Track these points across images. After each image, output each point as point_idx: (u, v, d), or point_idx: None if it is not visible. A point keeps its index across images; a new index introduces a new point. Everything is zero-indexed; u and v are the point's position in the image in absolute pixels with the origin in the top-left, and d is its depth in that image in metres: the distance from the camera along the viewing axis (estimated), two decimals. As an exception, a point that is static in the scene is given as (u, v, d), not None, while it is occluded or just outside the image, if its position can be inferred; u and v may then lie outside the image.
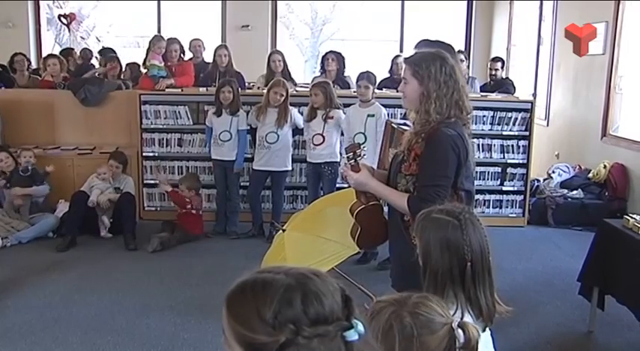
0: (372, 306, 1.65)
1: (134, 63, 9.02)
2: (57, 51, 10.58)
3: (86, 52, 9.41)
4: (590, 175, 7.71)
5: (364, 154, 3.20)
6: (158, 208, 7.47)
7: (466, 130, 2.94)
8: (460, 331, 1.62)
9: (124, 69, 8.85)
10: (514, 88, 8.47)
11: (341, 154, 6.56)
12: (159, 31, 11.24)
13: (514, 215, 7.43)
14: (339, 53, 7.82)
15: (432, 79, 2.89)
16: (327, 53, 7.90)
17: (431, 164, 2.87)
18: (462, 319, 1.97)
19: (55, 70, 7.98)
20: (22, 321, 4.74)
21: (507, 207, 7.39)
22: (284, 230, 4.83)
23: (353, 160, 3.11)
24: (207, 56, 8.53)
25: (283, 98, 6.59)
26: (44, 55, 9.86)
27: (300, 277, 1.22)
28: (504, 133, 7.27)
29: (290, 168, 6.91)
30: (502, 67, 8.87)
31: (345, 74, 7.86)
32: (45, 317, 4.82)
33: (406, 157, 2.95)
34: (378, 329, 1.57)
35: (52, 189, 6.91)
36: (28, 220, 6.74)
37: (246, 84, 8.03)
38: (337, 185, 6.63)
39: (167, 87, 7.35)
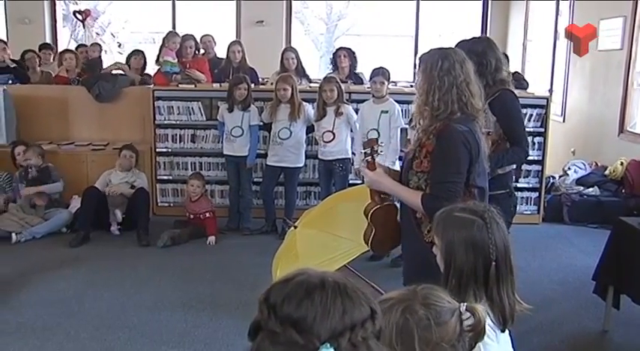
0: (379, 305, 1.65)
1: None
2: (72, 47, 10.63)
3: (95, 47, 9.40)
4: (607, 172, 7.62)
5: (381, 151, 3.19)
6: (171, 204, 7.47)
7: (477, 126, 2.91)
8: (469, 314, 1.63)
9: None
10: (527, 83, 8.38)
11: (353, 153, 6.53)
12: (174, 27, 11.26)
13: (529, 212, 7.35)
14: (350, 49, 7.78)
15: (427, 74, 2.90)
16: (338, 50, 7.85)
17: (442, 161, 2.84)
18: None
19: (72, 65, 8.05)
20: (34, 316, 4.76)
21: (522, 204, 7.30)
22: (296, 227, 4.81)
23: (370, 157, 3.10)
24: (219, 52, 8.54)
25: (290, 92, 6.57)
26: (59, 51, 9.85)
27: (317, 283, 1.25)
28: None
29: (303, 164, 6.89)
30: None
31: (357, 70, 7.81)
32: (57, 313, 4.83)
33: (417, 153, 2.92)
34: (391, 327, 1.57)
35: (66, 185, 6.93)
36: (42, 216, 6.76)
37: (260, 80, 8.03)
38: (350, 182, 6.62)
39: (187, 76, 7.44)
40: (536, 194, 7.37)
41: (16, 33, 11.03)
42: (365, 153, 3.12)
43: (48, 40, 11.14)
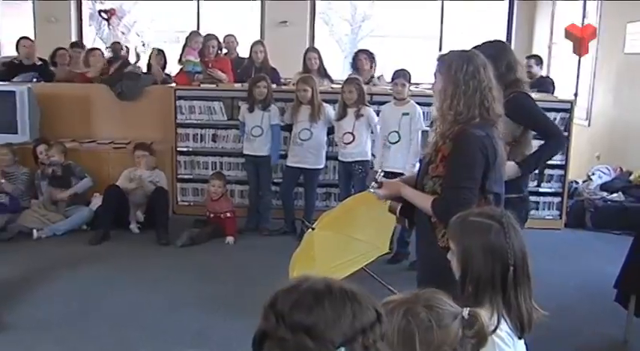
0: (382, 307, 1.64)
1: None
2: (97, 45, 10.71)
3: (116, 46, 9.46)
4: (632, 177, 7.52)
5: (382, 174, 3.25)
6: (192, 203, 7.49)
7: (495, 131, 2.87)
8: (471, 320, 1.62)
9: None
10: (553, 87, 8.29)
11: (374, 155, 6.48)
12: (198, 27, 11.31)
13: (551, 217, 7.25)
14: (370, 51, 7.76)
15: (451, 77, 2.85)
16: (358, 53, 7.85)
17: (457, 165, 2.80)
18: (497, 326, 1.93)
19: (99, 61, 8.11)
20: (52, 312, 4.81)
21: (544, 209, 7.23)
22: (313, 229, 4.80)
23: (376, 185, 3.13)
24: (242, 51, 8.54)
25: (310, 93, 6.55)
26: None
27: (324, 289, 1.27)
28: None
29: (323, 165, 6.86)
30: (537, 65, 8.64)
31: (378, 73, 7.77)
32: (75, 310, 4.87)
33: (433, 158, 2.89)
34: (393, 329, 1.56)
35: (94, 180, 7.00)
36: (64, 213, 6.82)
37: (282, 80, 8.02)
38: (369, 184, 6.57)
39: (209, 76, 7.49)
40: (559, 199, 7.28)
41: (43, 31, 11.14)
42: (372, 187, 3.15)
43: (74, 39, 11.25)
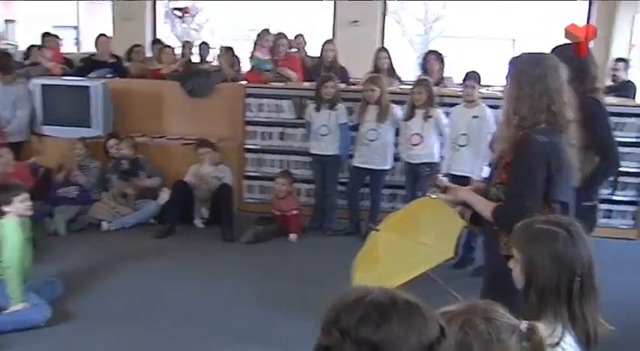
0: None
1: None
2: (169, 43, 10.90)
3: (189, 45, 9.61)
4: None
5: (445, 178, 3.21)
6: (257, 201, 7.52)
7: (563, 137, 2.75)
8: (529, 333, 1.56)
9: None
10: (635, 91, 7.98)
11: (441, 157, 6.38)
12: (269, 25, 11.40)
13: (625, 227, 6.99)
14: (439, 53, 7.66)
15: (517, 79, 2.77)
16: (427, 54, 7.76)
17: (519, 173, 2.72)
18: (562, 338, 1.86)
19: (171, 59, 8.29)
20: (116, 304, 4.90)
21: (617, 218, 6.96)
22: (378, 230, 4.76)
23: (439, 191, 3.12)
24: (311, 51, 8.55)
25: (377, 93, 6.48)
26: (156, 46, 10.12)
27: (389, 303, 1.24)
28: (619, 139, 6.79)
29: (390, 166, 6.78)
30: (625, 69, 8.34)
31: (446, 75, 7.67)
32: (138, 303, 4.95)
33: (498, 164, 2.82)
34: (450, 341, 1.50)
35: (164, 180, 7.12)
36: (133, 206, 6.96)
37: (351, 80, 7.98)
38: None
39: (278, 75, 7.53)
40: (634, 208, 7.00)
41: (121, 29, 11.41)
42: (434, 192, 3.16)
43: (149, 37, 11.50)
